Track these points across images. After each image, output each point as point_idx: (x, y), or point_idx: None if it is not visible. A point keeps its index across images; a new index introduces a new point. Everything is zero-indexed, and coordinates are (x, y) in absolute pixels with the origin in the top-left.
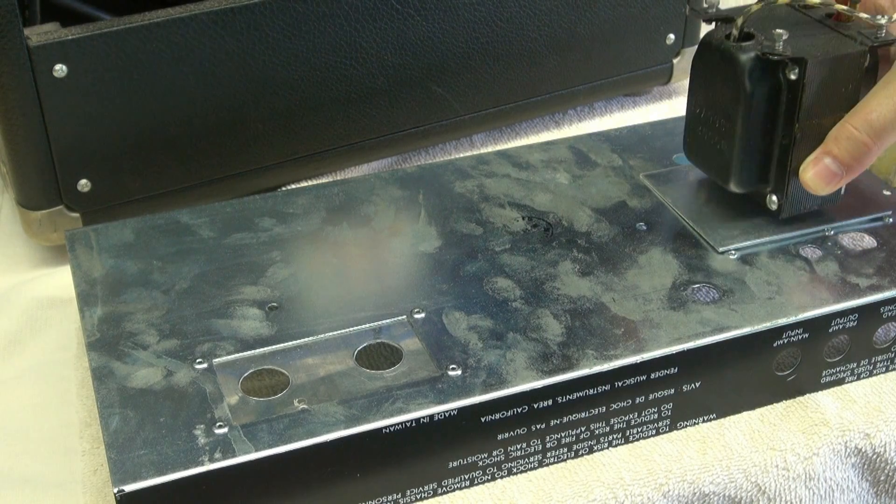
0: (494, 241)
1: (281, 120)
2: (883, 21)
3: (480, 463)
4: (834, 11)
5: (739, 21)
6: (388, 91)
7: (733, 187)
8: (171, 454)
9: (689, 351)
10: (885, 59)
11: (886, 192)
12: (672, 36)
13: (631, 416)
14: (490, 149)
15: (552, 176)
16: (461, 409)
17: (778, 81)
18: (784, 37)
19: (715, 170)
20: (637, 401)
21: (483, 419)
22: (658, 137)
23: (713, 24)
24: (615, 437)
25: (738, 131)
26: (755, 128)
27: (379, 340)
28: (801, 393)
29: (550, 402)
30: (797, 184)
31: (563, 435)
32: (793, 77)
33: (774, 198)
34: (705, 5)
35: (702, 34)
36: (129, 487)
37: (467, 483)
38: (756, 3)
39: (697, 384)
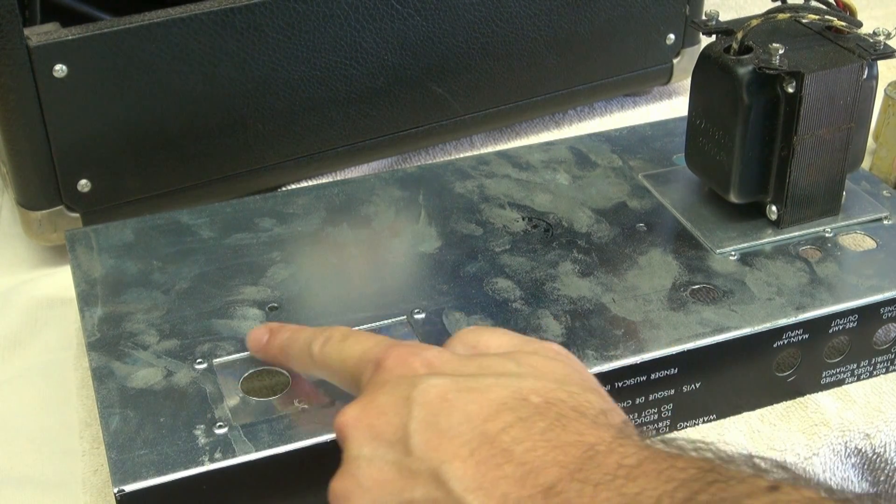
0: (494, 242)
1: (281, 120)
2: (881, 36)
3: None
4: (833, 25)
5: (739, 35)
6: (388, 91)
7: (733, 198)
8: (172, 454)
9: (689, 351)
10: None
11: (886, 193)
12: (672, 36)
13: (631, 417)
14: (490, 149)
15: (552, 176)
16: None
17: (776, 94)
18: (781, 51)
19: (715, 180)
20: (637, 401)
21: None
22: (658, 138)
23: (713, 36)
24: None
25: (737, 143)
26: (754, 140)
27: None
28: (801, 393)
29: None
30: (796, 194)
31: None
32: (790, 90)
33: (774, 208)
34: (705, 18)
35: (702, 37)
36: (129, 487)
37: None
38: (757, 17)
39: (697, 385)
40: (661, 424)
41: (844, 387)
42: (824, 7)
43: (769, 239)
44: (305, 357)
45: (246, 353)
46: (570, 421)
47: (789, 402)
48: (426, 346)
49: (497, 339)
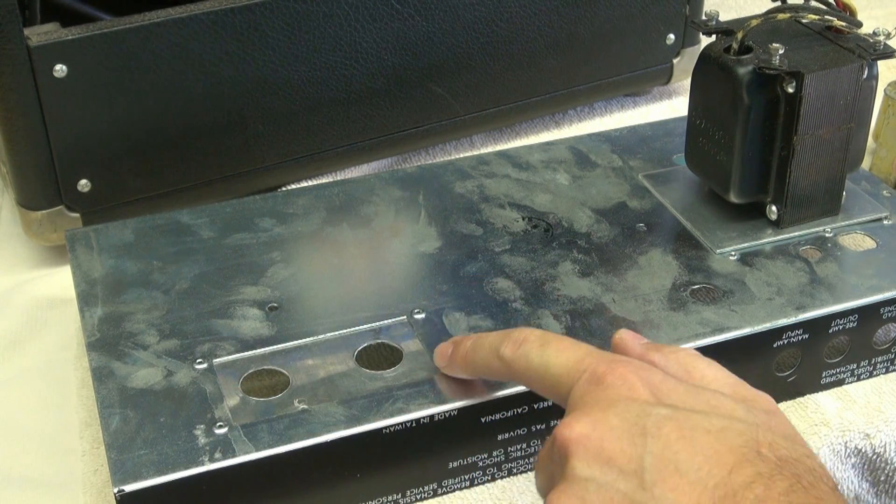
0: (494, 242)
1: (281, 120)
2: (881, 36)
3: (480, 463)
4: (833, 25)
5: (739, 35)
6: (388, 91)
7: (733, 198)
8: (172, 454)
9: None
10: None
11: (886, 193)
12: (672, 36)
13: None
14: (490, 149)
15: (552, 176)
16: (461, 409)
17: (776, 94)
18: (781, 51)
19: (715, 180)
20: None
21: (483, 419)
22: (658, 138)
23: (713, 36)
24: None
25: (737, 143)
26: (754, 140)
27: (379, 341)
28: (801, 393)
29: (551, 402)
30: (797, 194)
31: None
32: (790, 90)
33: (774, 208)
34: (705, 18)
35: (702, 37)
36: (129, 487)
37: (467, 483)
38: (757, 17)
39: None
40: None
41: (844, 387)
42: (824, 7)
43: (769, 239)
44: (493, 361)
45: (246, 353)
46: (809, 485)
47: (789, 402)
48: (647, 367)
49: (713, 373)
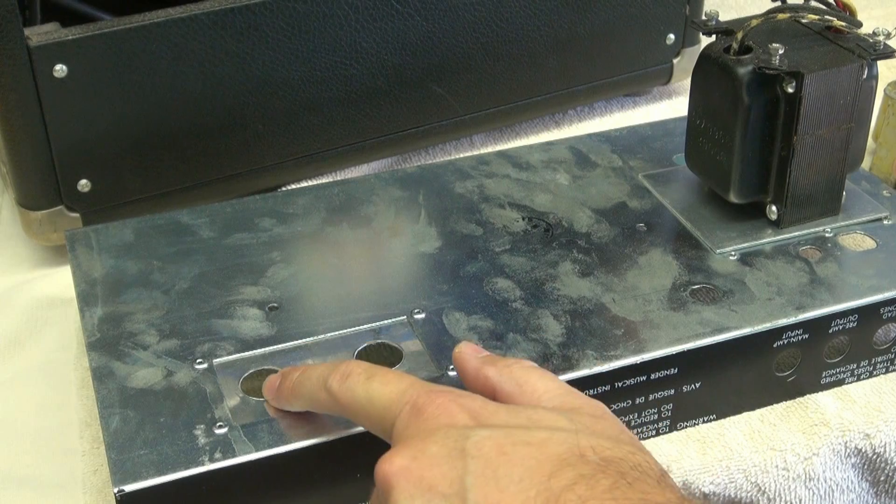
0: (494, 242)
1: (281, 120)
2: (881, 36)
3: None
4: (833, 25)
5: (739, 35)
6: (388, 91)
7: (733, 198)
8: (172, 454)
9: (689, 351)
10: None
11: (886, 193)
12: (672, 36)
13: (631, 417)
14: (490, 149)
15: (552, 176)
16: None
17: (776, 94)
18: (780, 51)
19: (715, 180)
20: (637, 401)
21: None
22: (658, 138)
23: (713, 36)
24: None
25: (737, 143)
26: (753, 140)
27: (379, 341)
28: (801, 393)
29: None
30: (796, 194)
31: None
32: (790, 90)
33: (774, 208)
34: (705, 18)
35: (702, 37)
36: (129, 487)
37: None
38: (757, 17)
39: (697, 385)
40: (661, 424)
41: (844, 387)
42: (824, 7)
43: (769, 239)
44: (320, 393)
45: (246, 353)
46: (634, 480)
47: (789, 402)
48: (467, 395)
49: (545, 384)
